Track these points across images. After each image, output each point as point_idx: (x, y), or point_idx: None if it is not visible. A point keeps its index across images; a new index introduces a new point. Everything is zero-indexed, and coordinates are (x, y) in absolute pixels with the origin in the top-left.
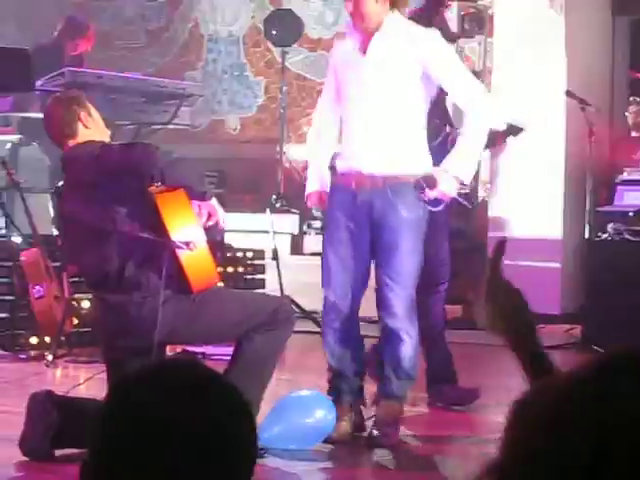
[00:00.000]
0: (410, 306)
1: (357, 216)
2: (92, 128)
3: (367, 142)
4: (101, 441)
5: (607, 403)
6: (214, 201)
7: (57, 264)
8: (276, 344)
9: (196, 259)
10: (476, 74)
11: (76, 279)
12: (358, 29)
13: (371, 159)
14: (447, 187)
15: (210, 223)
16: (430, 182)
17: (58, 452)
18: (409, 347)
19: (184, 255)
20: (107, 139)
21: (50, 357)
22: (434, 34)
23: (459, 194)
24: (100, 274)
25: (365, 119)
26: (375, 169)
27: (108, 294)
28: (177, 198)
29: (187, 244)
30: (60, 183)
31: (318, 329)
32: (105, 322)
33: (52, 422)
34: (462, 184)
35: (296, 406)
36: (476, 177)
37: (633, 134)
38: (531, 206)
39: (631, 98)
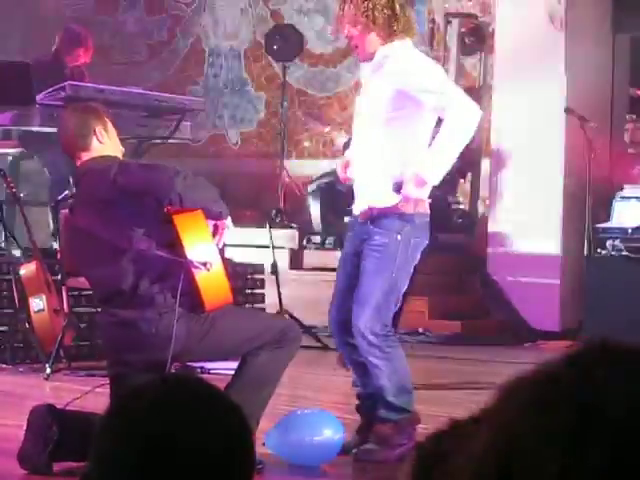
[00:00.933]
0: (370, 327)
1: (354, 244)
2: (106, 143)
3: (363, 175)
4: (99, 455)
5: (585, 387)
6: (229, 221)
7: (57, 277)
8: (281, 362)
9: (211, 279)
10: (477, 90)
11: (76, 293)
12: (360, 59)
13: (367, 191)
14: (411, 190)
15: (222, 243)
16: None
17: (57, 465)
18: (380, 374)
19: (200, 275)
20: (120, 156)
21: (49, 370)
22: (405, 56)
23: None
24: (113, 289)
25: (362, 151)
26: (368, 201)
27: (120, 309)
28: (195, 218)
29: (204, 264)
30: (61, 197)
31: (317, 344)
32: (115, 337)
33: (52, 436)
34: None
35: (304, 423)
36: (475, 192)
37: (630, 151)
38: (530, 222)
39: (628, 116)
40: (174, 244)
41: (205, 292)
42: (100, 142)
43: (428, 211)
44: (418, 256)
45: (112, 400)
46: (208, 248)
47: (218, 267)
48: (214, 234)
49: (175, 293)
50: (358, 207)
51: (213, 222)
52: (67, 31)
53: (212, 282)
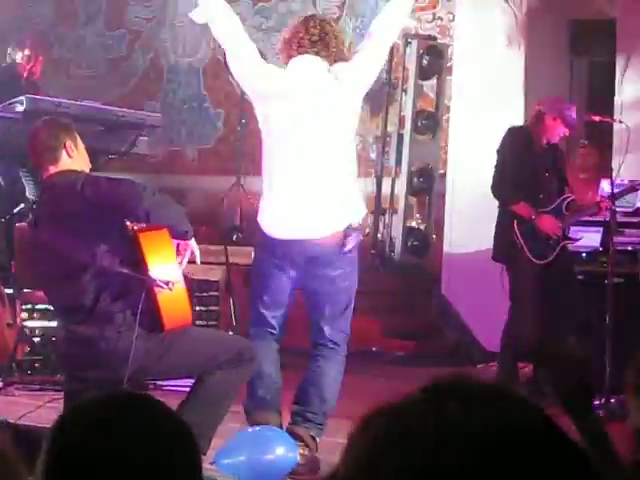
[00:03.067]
0: None
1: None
2: (75, 158)
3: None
4: (45, 469)
5: (437, 420)
6: (193, 241)
7: (10, 291)
8: (235, 381)
9: (173, 299)
10: (434, 112)
11: (29, 306)
12: None
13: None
14: None
15: (185, 263)
16: None
17: None
18: None
19: (161, 294)
20: (87, 170)
21: (0, 384)
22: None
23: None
24: (73, 305)
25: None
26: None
27: (78, 325)
28: (160, 237)
29: (167, 283)
30: (16, 210)
31: None
32: (72, 354)
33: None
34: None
35: (258, 440)
36: (431, 213)
37: (581, 176)
38: (485, 243)
39: (581, 140)
40: (138, 262)
41: (165, 312)
42: (70, 156)
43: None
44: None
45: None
46: (171, 267)
47: (180, 287)
48: (178, 254)
49: (135, 311)
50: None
51: (177, 242)
52: (19, 44)
53: (173, 302)
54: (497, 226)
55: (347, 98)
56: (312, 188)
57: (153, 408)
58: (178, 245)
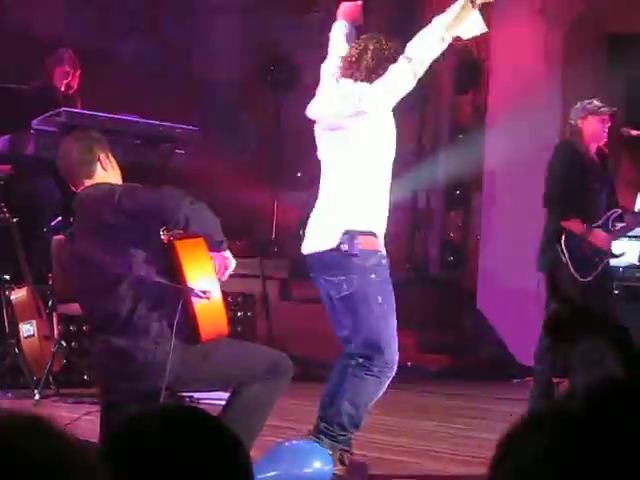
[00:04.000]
0: None
1: None
2: (109, 171)
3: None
4: None
5: (594, 430)
6: (228, 253)
7: (48, 304)
8: (272, 394)
9: (209, 309)
10: (470, 127)
11: (66, 319)
12: None
13: None
14: None
15: (224, 276)
16: None
17: None
18: None
19: (198, 304)
20: (120, 183)
21: (38, 397)
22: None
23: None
24: (109, 316)
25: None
26: None
27: (114, 337)
28: (197, 246)
29: (204, 292)
30: (54, 222)
31: (306, 375)
32: (108, 365)
33: None
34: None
35: (293, 454)
36: (467, 227)
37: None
38: (521, 258)
39: (623, 129)
40: (174, 271)
41: (202, 322)
42: (104, 169)
43: None
44: None
45: (106, 431)
46: (208, 276)
47: (217, 297)
48: (215, 266)
49: (172, 321)
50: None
51: (212, 254)
52: (54, 55)
53: (210, 312)
54: (544, 240)
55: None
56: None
57: (211, 423)
58: (214, 258)
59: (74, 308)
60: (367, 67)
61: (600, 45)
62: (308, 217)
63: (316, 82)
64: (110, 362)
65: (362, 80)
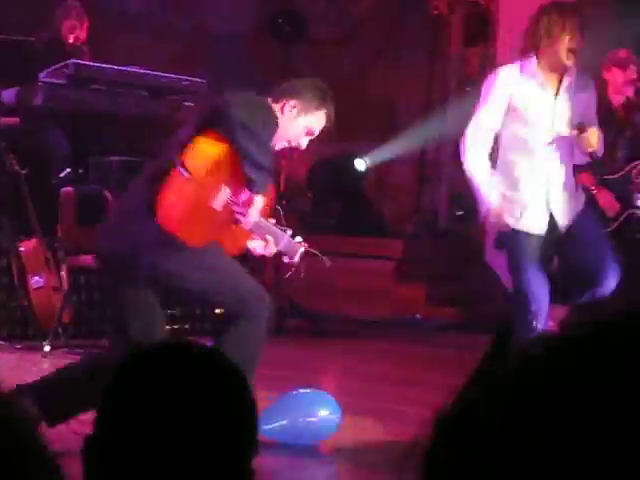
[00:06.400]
0: None
1: None
2: None
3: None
4: (110, 420)
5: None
6: (259, 201)
7: (56, 255)
8: (256, 333)
9: (214, 217)
10: (479, 79)
11: (74, 271)
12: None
13: None
14: None
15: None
16: None
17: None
18: None
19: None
20: None
21: (47, 348)
22: None
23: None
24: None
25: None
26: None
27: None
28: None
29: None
30: (63, 174)
31: (315, 328)
32: (104, 246)
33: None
34: None
35: (300, 403)
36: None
37: None
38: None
39: None
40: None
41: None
42: None
43: None
44: None
45: (114, 370)
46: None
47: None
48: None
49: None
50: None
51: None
52: (62, 7)
53: (208, 218)
54: None
55: None
56: None
57: (202, 350)
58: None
59: (83, 260)
60: None
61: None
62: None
63: (324, 34)
64: (106, 242)
65: None
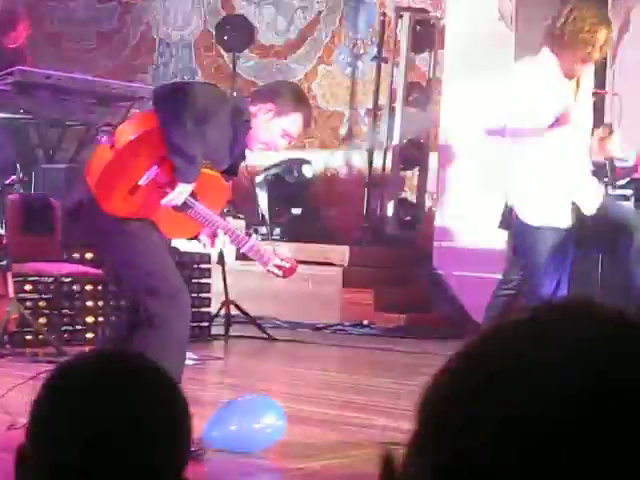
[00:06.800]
0: None
1: None
2: None
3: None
4: (37, 431)
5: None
6: (182, 186)
7: (1, 263)
8: (162, 341)
9: (141, 193)
10: (426, 85)
11: (20, 279)
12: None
13: None
14: None
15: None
16: None
17: None
18: None
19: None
20: None
21: None
22: None
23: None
24: None
25: None
26: None
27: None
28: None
29: None
30: (8, 181)
31: (262, 335)
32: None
33: None
34: None
35: (246, 410)
36: (422, 186)
37: None
38: (477, 217)
39: None
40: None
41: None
42: None
43: None
44: None
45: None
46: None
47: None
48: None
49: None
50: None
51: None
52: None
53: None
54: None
55: None
56: None
57: (134, 358)
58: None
59: (28, 268)
60: None
61: (553, 4)
62: None
63: (269, 39)
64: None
65: None
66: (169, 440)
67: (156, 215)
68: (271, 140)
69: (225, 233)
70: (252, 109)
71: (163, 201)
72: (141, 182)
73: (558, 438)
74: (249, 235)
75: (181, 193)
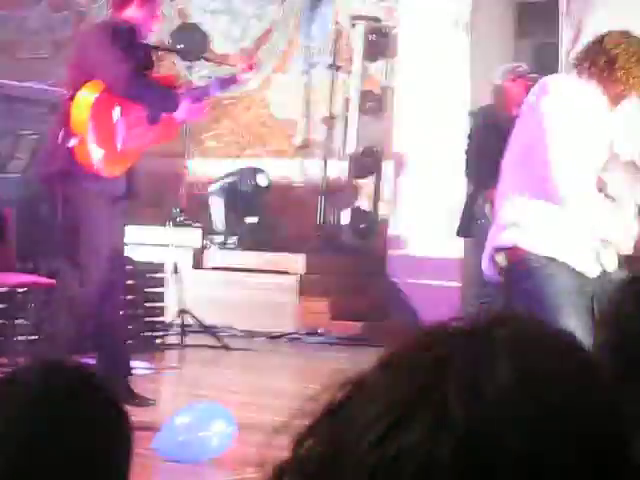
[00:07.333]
0: None
1: None
2: None
3: None
4: None
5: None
6: None
7: None
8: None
9: None
10: (380, 93)
11: None
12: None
13: None
14: None
15: None
16: None
17: None
18: None
19: None
20: None
21: None
22: None
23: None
24: None
25: None
26: None
27: None
28: None
29: None
30: None
31: (217, 343)
32: None
33: None
34: None
35: (195, 417)
36: (377, 195)
37: None
38: (432, 225)
39: None
40: None
41: None
42: None
43: None
44: None
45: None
46: None
47: None
48: None
49: None
50: None
51: None
52: None
53: None
54: (467, 205)
55: None
56: None
57: (77, 373)
58: None
59: None
60: None
61: (509, 13)
62: None
63: (223, 48)
64: None
65: None
66: (104, 461)
67: None
68: None
69: None
70: None
71: None
72: None
73: None
74: None
75: None
